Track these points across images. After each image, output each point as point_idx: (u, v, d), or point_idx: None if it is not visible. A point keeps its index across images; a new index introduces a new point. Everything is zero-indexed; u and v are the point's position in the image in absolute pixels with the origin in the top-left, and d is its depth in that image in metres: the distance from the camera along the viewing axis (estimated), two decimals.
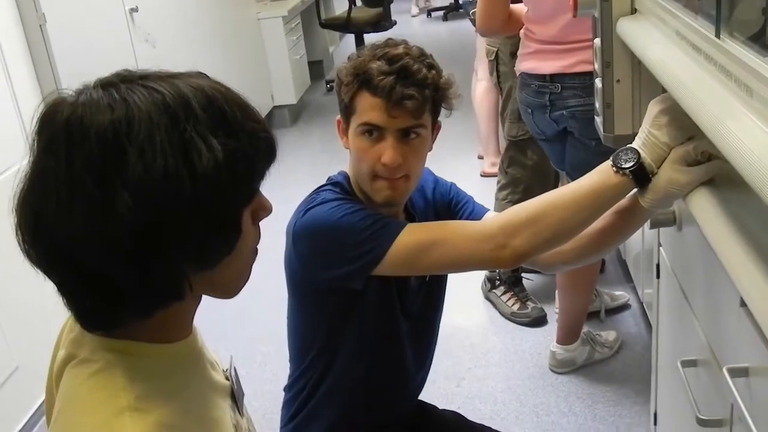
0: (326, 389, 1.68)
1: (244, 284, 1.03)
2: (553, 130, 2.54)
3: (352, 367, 1.67)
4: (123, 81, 0.90)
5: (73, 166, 0.85)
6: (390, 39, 1.57)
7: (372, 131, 1.50)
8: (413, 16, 9.68)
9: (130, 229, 0.84)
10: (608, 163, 1.34)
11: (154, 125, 0.86)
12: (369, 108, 1.49)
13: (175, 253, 0.88)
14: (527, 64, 2.52)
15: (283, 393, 1.78)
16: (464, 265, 1.51)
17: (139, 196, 0.84)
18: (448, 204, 1.72)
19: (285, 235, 1.59)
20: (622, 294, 3.30)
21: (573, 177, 2.51)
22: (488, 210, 1.71)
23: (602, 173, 1.35)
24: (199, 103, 0.90)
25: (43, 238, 0.88)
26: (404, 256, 1.47)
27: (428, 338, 1.81)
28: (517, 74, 2.65)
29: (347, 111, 1.54)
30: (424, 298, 1.72)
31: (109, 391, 0.90)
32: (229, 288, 1.01)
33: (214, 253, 0.93)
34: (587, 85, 2.31)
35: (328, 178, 1.64)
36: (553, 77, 2.43)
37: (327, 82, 7.31)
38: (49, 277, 0.92)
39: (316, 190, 1.60)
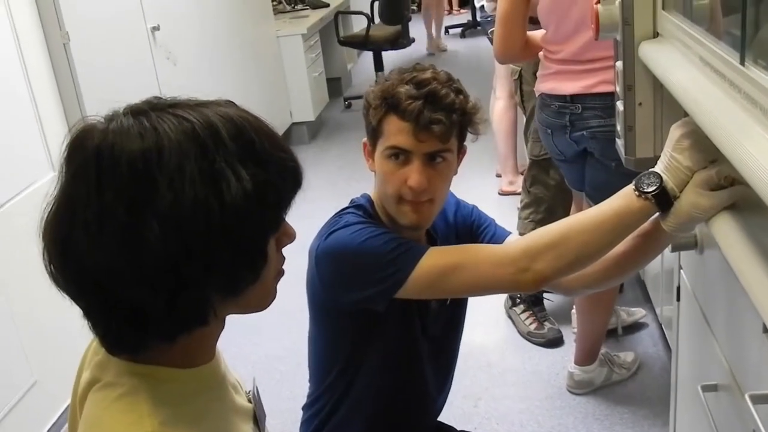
0: (346, 410, 1.68)
1: (271, 302, 1.04)
2: (573, 151, 2.54)
3: (372, 388, 1.67)
4: (153, 109, 0.91)
5: (104, 194, 0.85)
6: (418, 63, 1.57)
7: (399, 155, 1.51)
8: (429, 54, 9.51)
9: (158, 257, 0.85)
10: (630, 187, 1.34)
11: (183, 155, 0.86)
12: (396, 132, 1.50)
13: (202, 281, 0.89)
14: (547, 84, 2.52)
15: (301, 411, 1.78)
16: (486, 288, 1.51)
17: (168, 225, 0.85)
18: (470, 227, 1.72)
19: (306, 254, 1.60)
20: (638, 310, 3.28)
21: (593, 198, 2.50)
22: (510, 233, 1.72)
23: (625, 197, 1.35)
24: (228, 132, 0.90)
25: (71, 265, 0.89)
26: (427, 280, 1.48)
27: (448, 360, 1.81)
28: (537, 95, 2.65)
29: (374, 134, 1.54)
30: (445, 320, 1.72)
31: (134, 416, 0.91)
32: (255, 308, 1.02)
33: (240, 281, 0.94)
34: (608, 105, 2.30)
35: (351, 201, 1.65)
36: (574, 98, 2.43)
37: (345, 99, 7.35)
38: (76, 302, 0.92)
39: (338, 212, 1.61)
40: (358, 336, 1.63)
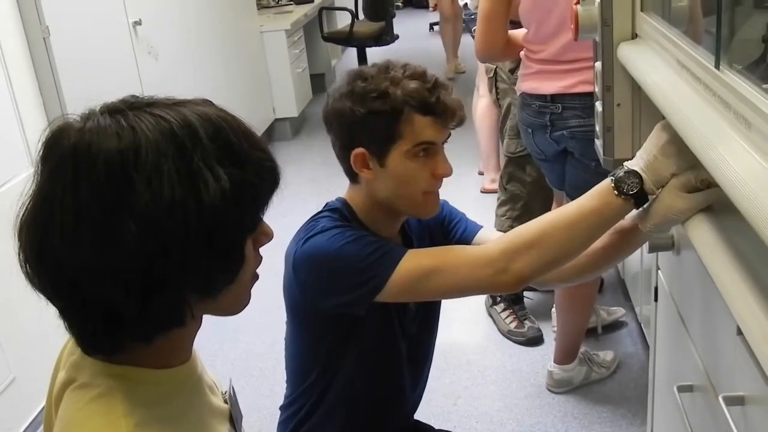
0: (323, 411, 1.68)
1: (245, 306, 1.03)
2: (553, 151, 2.55)
3: (350, 389, 1.67)
4: (130, 108, 0.90)
5: (80, 194, 0.85)
6: (388, 60, 1.56)
7: (427, 149, 1.51)
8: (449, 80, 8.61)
9: (134, 258, 0.85)
10: (609, 184, 1.33)
11: (161, 154, 0.86)
12: (423, 127, 1.49)
13: (179, 282, 0.89)
14: (528, 84, 2.53)
15: (279, 410, 1.78)
16: (466, 290, 1.50)
17: (145, 225, 0.84)
18: (441, 222, 1.73)
19: (284, 260, 1.59)
20: (617, 309, 3.30)
21: (572, 197, 2.50)
22: (482, 227, 1.72)
23: (602, 195, 1.35)
24: (206, 132, 0.90)
25: (48, 265, 0.88)
26: (406, 284, 1.47)
27: (424, 359, 1.81)
28: (518, 94, 2.66)
29: (389, 140, 1.50)
30: (422, 319, 1.72)
31: (109, 417, 0.90)
32: (230, 311, 1.02)
33: (217, 282, 0.93)
34: (588, 105, 2.31)
35: (326, 204, 1.63)
36: (554, 97, 2.44)
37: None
38: (52, 302, 0.92)
39: (313, 217, 1.59)
40: (336, 339, 1.62)
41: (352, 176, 1.58)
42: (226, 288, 0.95)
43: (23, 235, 0.90)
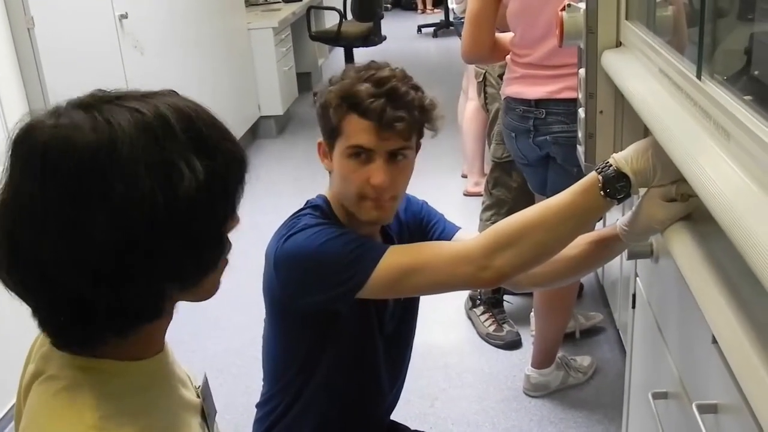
0: (300, 408, 1.68)
1: (216, 291, 1.04)
2: (536, 155, 2.56)
3: (327, 387, 1.67)
4: (100, 102, 0.90)
5: (52, 190, 0.84)
6: (373, 61, 1.57)
7: (360, 153, 1.50)
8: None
9: (109, 250, 0.84)
10: (595, 183, 1.31)
11: (137, 147, 0.86)
12: (358, 131, 1.49)
13: (157, 274, 0.89)
14: (513, 88, 2.53)
15: (255, 408, 1.78)
16: (447, 286, 1.51)
17: (119, 218, 0.84)
18: (420, 222, 1.73)
19: (265, 257, 1.58)
20: (596, 314, 3.32)
21: None
22: (459, 228, 1.73)
23: (587, 193, 1.33)
24: (179, 123, 0.90)
25: (19, 264, 0.88)
26: (387, 280, 1.47)
27: (403, 357, 1.82)
28: (502, 98, 2.66)
29: (333, 133, 1.54)
30: (400, 317, 1.73)
31: (74, 410, 0.90)
32: (204, 297, 1.02)
33: (197, 272, 0.94)
34: (571, 111, 2.32)
35: (307, 202, 1.64)
36: (538, 102, 2.44)
37: (314, 94, 7.28)
38: (24, 301, 0.91)
39: (295, 214, 1.60)
40: (315, 336, 1.62)
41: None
42: (205, 277, 0.95)
43: None
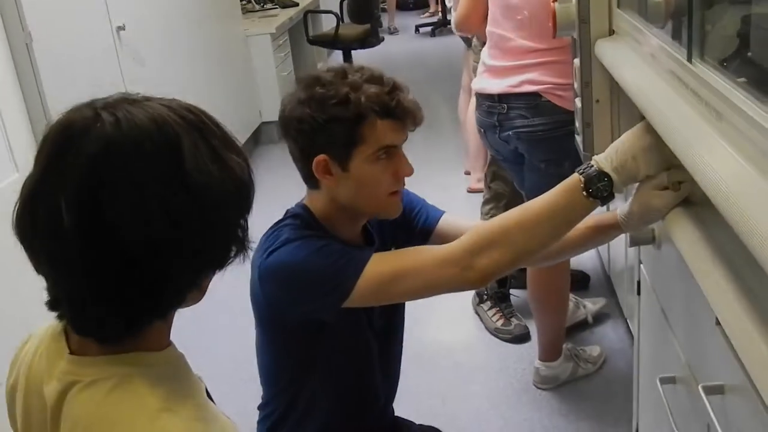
0: (300, 412, 1.69)
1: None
2: (507, 151, 2.57)
3: (324, 391, 1.67)
4: (131, 102, 0.93)
5: (140, 171, 0.88)
6: (345, 64, 1.57)
7: (386, 152, 1.51)
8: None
9: (187, 228, 0.90)
10: (577, 183, 1.32)
11: (191, 136, 0.91)
12: (386, 131, 1.49)
13: (202, 256, 0.94)
14: (478, 83, 2.56)
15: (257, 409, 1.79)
16: (433, 290, 1.49)
17: (195, 197, 0.89)
18: (403, 211, 1.69)
19: (250, 267, 1.56)
20: (599, 299, 3.33)
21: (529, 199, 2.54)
22: (443, 212, 1.73)
23: (570, 193, 1.34)
24: (209, 119, 0.96)
25: (100, 246, 0.89)
26: (372, 288, 1.47)
27: (395, 355, 1.82)
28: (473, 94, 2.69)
29: (350, 145, 1.49)
30: (389, 311, 1.72)
31: (136, 400, 0.92)
32: (200, 298, 1.04)
33: (228, 256, 0.98)
34: (532, 105, 2.34)
35: (287, 211, 1.62)
36: (501, 97, 2.46)
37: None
38: (56, 287, 0.94)
39: (276, 224, 1.58)
40: (305, 346, 1.62)
41: (313, 182, 1.57)
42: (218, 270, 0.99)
43: (18, 226, 0.91)
